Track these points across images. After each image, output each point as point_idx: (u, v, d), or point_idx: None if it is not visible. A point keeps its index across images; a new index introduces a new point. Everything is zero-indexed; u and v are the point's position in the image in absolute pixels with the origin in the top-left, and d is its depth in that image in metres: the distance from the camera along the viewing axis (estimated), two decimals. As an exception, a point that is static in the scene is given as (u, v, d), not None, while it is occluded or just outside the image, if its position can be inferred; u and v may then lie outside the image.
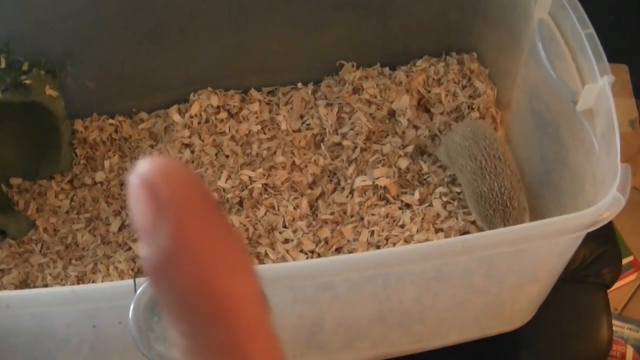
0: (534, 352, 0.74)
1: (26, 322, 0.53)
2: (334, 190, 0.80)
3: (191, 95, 0.88)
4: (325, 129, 0.84)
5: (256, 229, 0.75)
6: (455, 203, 0.76)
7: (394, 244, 0.72)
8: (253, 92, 0.89)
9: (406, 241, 0.72)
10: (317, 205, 0.78)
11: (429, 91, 0.86)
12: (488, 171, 0.69)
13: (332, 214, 0.76)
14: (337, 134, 0.84)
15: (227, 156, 0.83)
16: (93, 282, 0.72)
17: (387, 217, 0.75)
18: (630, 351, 1.08)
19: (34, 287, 0.73)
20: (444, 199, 0.76)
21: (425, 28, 0.87)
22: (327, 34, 0.86)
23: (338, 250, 0.73)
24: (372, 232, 0.73)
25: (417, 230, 0.73)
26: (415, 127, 0.83)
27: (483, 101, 0.84)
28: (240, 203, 0.78)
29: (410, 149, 0.81)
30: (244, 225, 0.75)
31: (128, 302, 0.40)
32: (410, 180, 0.79)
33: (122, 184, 0.83)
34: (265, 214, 0.77)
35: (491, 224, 0.68)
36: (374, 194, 0.77)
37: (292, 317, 0.57)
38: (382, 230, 0.73)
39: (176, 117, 0.86)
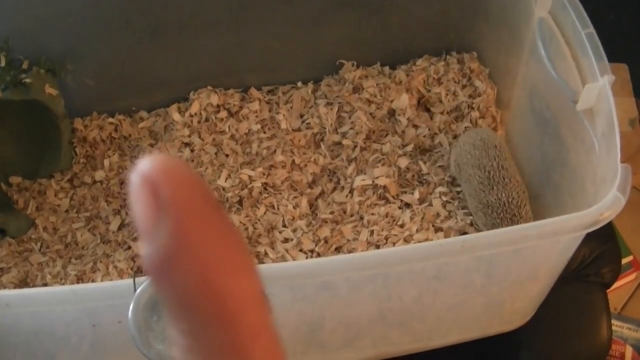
0: (534, 352, 0.74)
1: (26, 321, 0.53)
2: (334, 189, 0.80)
3: (191, 94, 0.87)
4: (325, 128, 0.84)
5: (256, 228, 0.75)
6: (455, 203, 0.76)
7: (394, 244, 0.72)
8: (253, 91, 0.89)
9: (406, 241, 0.72)
10: (316, 204, 0.78)
11: (429, 90, 0.86)
12: (496, 182, 0.69)
13: (331, 213, 0.76)
14: (337, 133, 0.84)
15: (226, 155, 0.83)
16: (92, 281, 0.72)
17: (386, 217, 0.75)
18: (629, 351, 1.08)
19: (34, 286, 0.73)
20: (444, 198, 0.76)
21: (426, 27, 0.87)
22: (327, 32, 0.86)
23: (338, 250, 0.73)
24: (372, 232, 0.73)
25: (417, 229, 0.73)
26: (415, 127, 0.83)
27: (483, 100, 0.84)
28: (240, 202, 0.78)
29: (410, 148, 0.81)
30: (244, 225, 0.75)
31: (127, 301, 0.40)
32: (410, 180, 0.79)
33: (121, 183, 0.83)
34: (264, 213, 0.77)
35: None
36: (373, 193, 0.77)
37: (292, 316, 0.57)
38: (382, 230, 0.73)
39: (176, 116, 0.86)
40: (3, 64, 0.74)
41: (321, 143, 0.83)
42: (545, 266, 0.61)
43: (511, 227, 0.55)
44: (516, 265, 0.59)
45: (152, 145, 0.86)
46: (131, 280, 0.46)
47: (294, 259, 0.72)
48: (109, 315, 0.53)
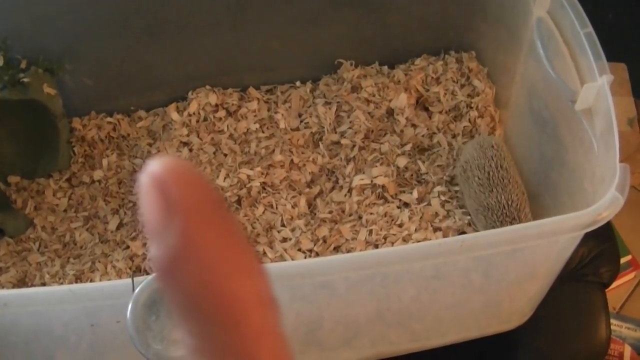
0: (533, 351, 0.74)
1: (24, 321, 0.53)
2: (332, 189, 0.80)
3: (189, 93, 0.87)
4: (323, 127, 0.84)
5: (254, 227, 0.75)
6: (454, 202, 0.76)
7: (392, 243, 0.72)
8: (251, 90, 0.89)
9: (404, 240, 0.72)
10: (315, 204, 0.78)
11: (428, 90, 0.86)
12: (495, 184, 0.69)
13: (330, 212, 0.76)
14: (336, 133, 0.84)
15: (225, 155, 0.83)
16: (91, 280, 0.72)
17: (385, 216, 0.74)
18: (628, 350, 1.08)
19: (32, 285, 0.73)
20: (443, 198, 0.76)
21: (424, 26, 0.87)
22: (325, 32, 0.86)
23: (336, 249, 0.73)
24: (371, 231, 0.73)
25: (416, 229, 0.73)
26: (414, 126, 0.83)
27: (482, 100, 0.84)
28: (239, 202, 0.78)
29: (408, 147, 0.81)
30: (242, 224, 0.75)
31: (126, 301, 0.40)
32: (408, 179, 0.79)
33: (120, 183, 0.83)
34: (263, 212, 0.77)
35: None
36: (372, 192, 0.77)
37: (290, 315, 0.57)
38: (381, 229, 0.73)
39: (174, 116, 0.86)
40: (1, 63, 0.74)
41: (320, 142, 0.83)
42: (543, 266, 0.61)
43: (510, 227, 0.55)
44: (515, 264, 0.59)
45: (150, 145, 0.85)
46: (129, 279, 0.46)
47: (292, 259, 0.72)
48: (107, 315, 0.53)
